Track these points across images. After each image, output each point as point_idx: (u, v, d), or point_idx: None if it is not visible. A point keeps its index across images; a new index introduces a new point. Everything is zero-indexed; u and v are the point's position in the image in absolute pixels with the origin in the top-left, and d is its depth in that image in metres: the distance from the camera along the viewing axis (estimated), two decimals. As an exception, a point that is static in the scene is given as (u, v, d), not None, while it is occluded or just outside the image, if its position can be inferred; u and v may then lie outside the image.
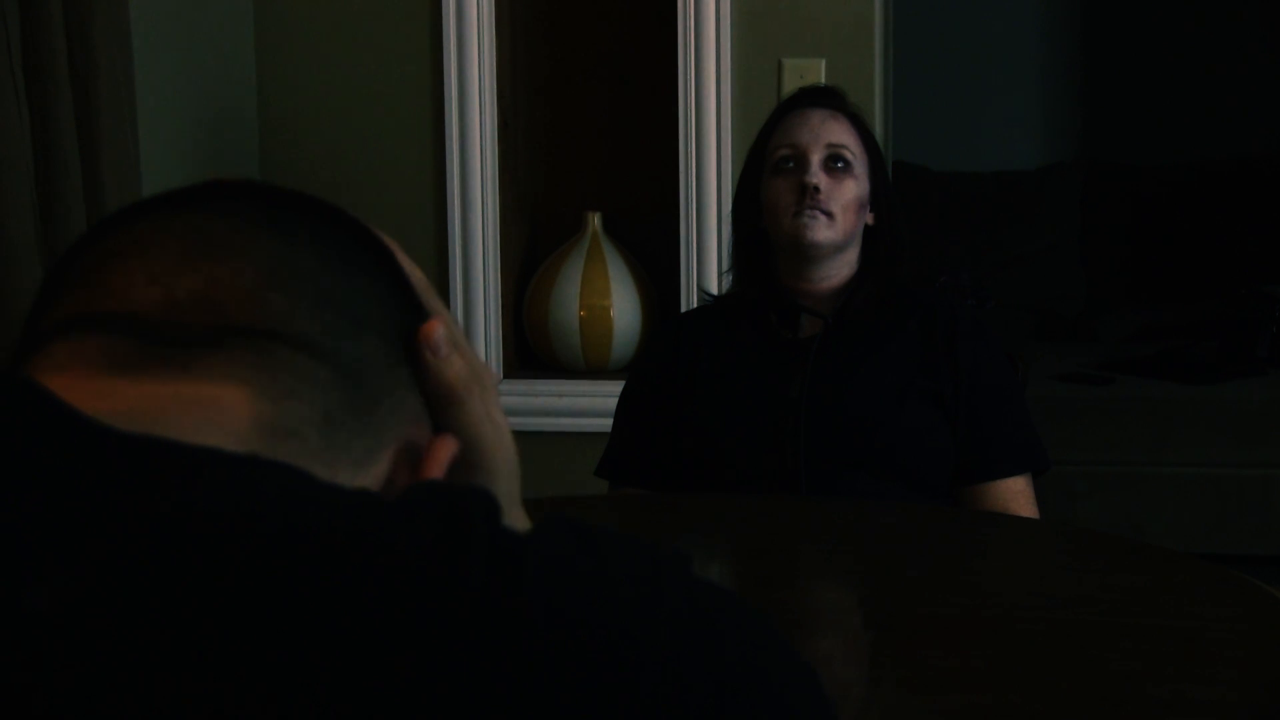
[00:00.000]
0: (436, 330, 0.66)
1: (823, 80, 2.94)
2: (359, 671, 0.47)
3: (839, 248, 2.04)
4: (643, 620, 0.52)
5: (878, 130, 2.82)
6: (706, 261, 3.03)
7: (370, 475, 0.63)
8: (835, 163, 2.03)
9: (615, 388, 2.26)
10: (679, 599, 0.54)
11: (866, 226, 2.08)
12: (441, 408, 0.67)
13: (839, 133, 2.04)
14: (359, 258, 0.66)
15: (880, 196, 2.08)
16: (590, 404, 3.05)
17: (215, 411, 0.59)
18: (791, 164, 2.03)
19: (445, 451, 0.65)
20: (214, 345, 0.60)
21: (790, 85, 2.80)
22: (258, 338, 0.61)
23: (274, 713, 0.47)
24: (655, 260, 3.19)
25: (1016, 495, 1.99)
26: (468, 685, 0.48)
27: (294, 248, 0.64)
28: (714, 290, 2.53)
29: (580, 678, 0.49)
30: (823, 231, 2.01)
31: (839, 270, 2.06)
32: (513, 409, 3.15)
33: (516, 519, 0.72)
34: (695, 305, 2.84)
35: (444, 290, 3.16)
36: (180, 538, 0.50)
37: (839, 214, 2.01)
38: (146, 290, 0.61)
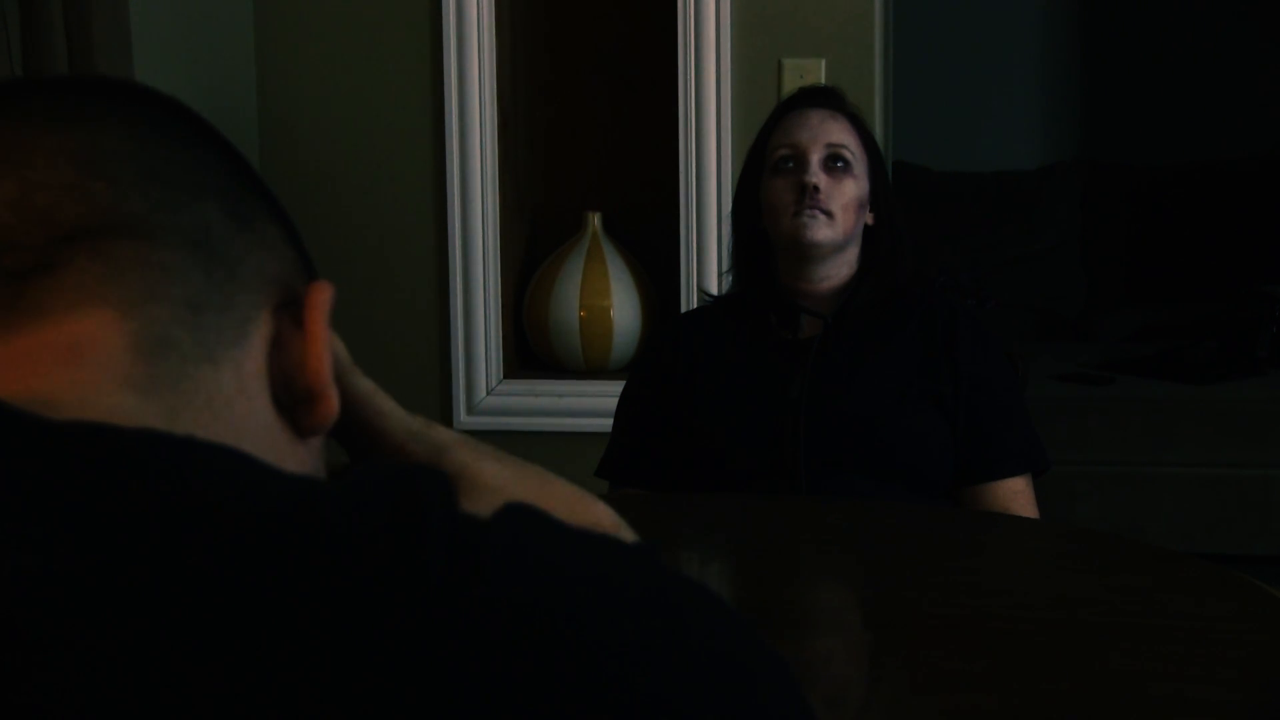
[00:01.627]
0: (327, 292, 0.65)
1: (823, 80, 2.94)
2: (316, 666, 0.47)
3: (838, 247, 2.04)
4: (604, 609, 0.51)
5: (878, 130, 2.82)
6: (706, 261, 3.03)
7: (251, 344, 0.62)
8: (835, 162, 2.03)
9: (615, 388, 2.26)
10: (642, 588, 0.53)
11: (866, 227, 2.08)
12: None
13: (838, 132, 2.04)
14: (175, 128, 0.63)
15: (880, 196, 2.09)
16: (590, 404, 3.05)
17: (89, 356, 0.57)
18: (791, 164, 2.03)
19: (323, 298, 0.64)
20: (54, 264, 0.58)
21: (790, 85, 2.80)
22: (94, 238, 0.58)
23: (227, 708, 0.46)
24: (655, 260, 3.19)
25: (1016, 495, 1.99)
26: (427, 677, 0.47)
27: (103, 132, 0.61)
28: (714, 290, 2.53)
29: (542, 668, 0.48)
30: (822, 231, 2.01)
31: (839, 270, 2.06)
32: (513, 409, 3.15)
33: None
34: (695, 305, 2.84)
35: (444, 290, 3.16)
36: (130, 532, 0.49)
37: (838, 213, 2.01)
38: None
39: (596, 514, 0.75)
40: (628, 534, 0.75)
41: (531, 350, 3.30)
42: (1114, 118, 5.15)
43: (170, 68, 2.88)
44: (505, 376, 3.20)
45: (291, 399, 0.64)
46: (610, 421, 2.17)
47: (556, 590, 0.51)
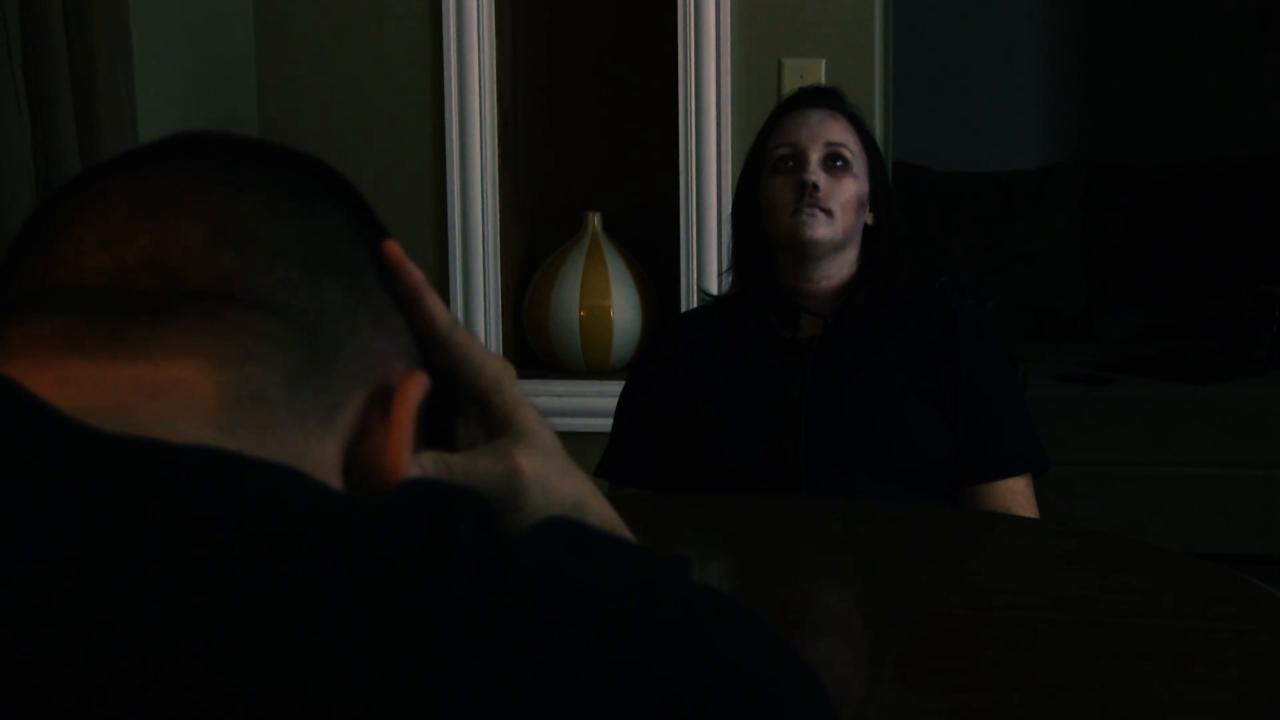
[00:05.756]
0: (397, 249, 0.66)
1: (823, 80, 2.94)
2: (340, 682, 0.47)
3: (838, 246, 2.04)
4: (632, 628, 0.51)
5: (877, 130, 2.82)
6: (706, 261, 3.03)
7: (340, 425, 0.62)
8: (834, 161, 2.03)
9: (615, 388, 2.26)
10: (673, 606, 0.53)
11: (866, 226, 2.08)
12: (435, 345, 0.68)
13: (838, 131, 2.04)
14: (313, 198, 0.65)
15: (879, 196, 2.09)
16: (590, 404, 3.05)
17: (178, 394, 0.58)
18: (790, 163, 2.03)
19: (414, 390, 0.65)
20: (165, 314, 0.59)
21: (790, 85, 2.80)
22: (209, 300, 0.60)
23: (250, 717, 0.46)
24: (655, 260, 3.19)
25: (1017, 495, 1.99)
26: (451, 694, 0.47)
27: (243, 200, 0.62)
28: (714, 290, 2.53)
29: (566, 687, 0.49)
30: (822, 229, 2.01)
31: (839, 270, 2.06)
32: (513, 409, 3.15)
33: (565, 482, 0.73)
34: (695, 305, 2.84)
35: (444, 290, 3.16)
36: (165, 543, 0.49)
37: (838, 212, 2.01)
38: (96, 257, 0.60)
39: (615, 515, 0.75)
40: (626, 534, 0.75)
41: (531, 350, 3.30)
42: (1114, 118, 5.15)
43: (170, 68, 2.88)
44: (505, 376, 3.19)
45: (367, 489, 0.64)
46: (610, 421, 2.17)
47: (581, 608, 0.51)
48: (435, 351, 0.70)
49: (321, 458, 0.62)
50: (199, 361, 0.59)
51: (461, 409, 0.73)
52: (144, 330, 0.59)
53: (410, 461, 0.64)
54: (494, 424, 0.73)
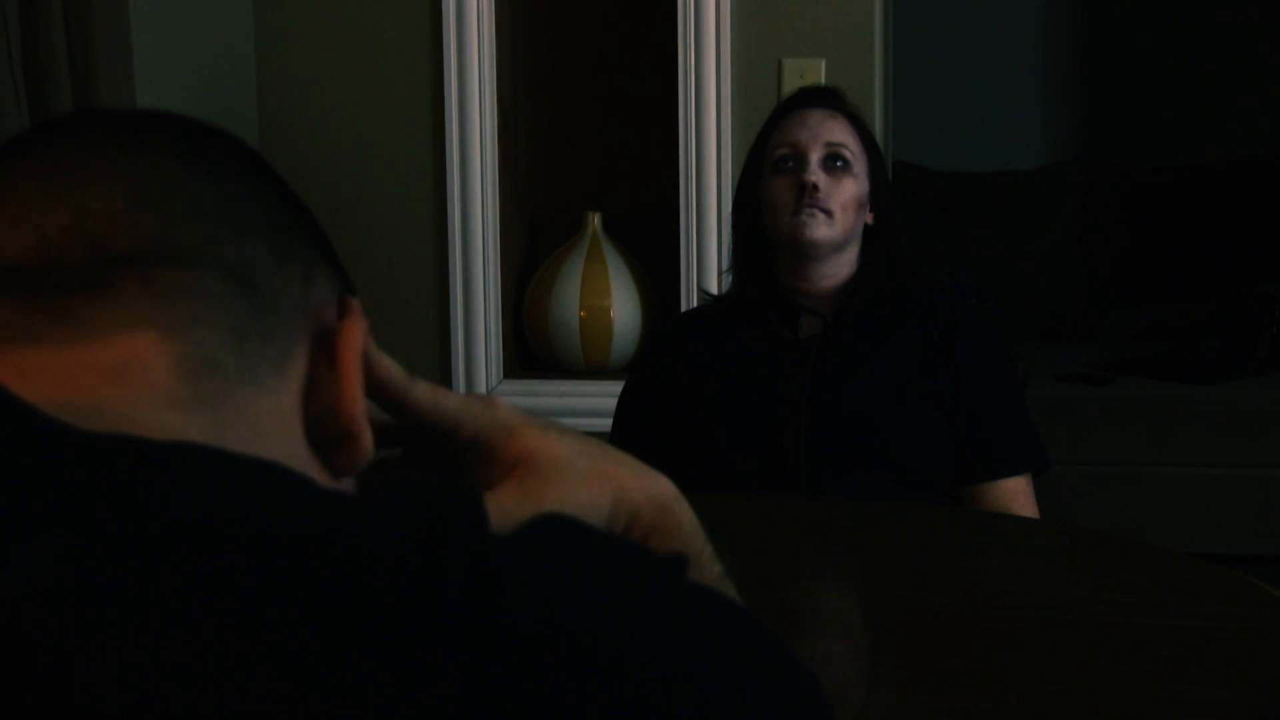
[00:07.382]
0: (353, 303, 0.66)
1: (823, 80, 2.94)
2: (333, 681, 0.47)
3: (838, 246, 2.04)
4: (625, 628, 0.51)
5: (878, 130, 2.82)
6: (706, 261, 3.03)
7: (289, 377, 0.62)
8: (834, 161, 2.03)
9: (615, 388, 2.26)
10: (667, 605, 0.53)
11: (866, 226, 2.08)
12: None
13: (838, 132, 2.04)
14: (225, 162, 0.65)
15: (880, 196, 2.09)
16: (590, 404, 3.05)
17: (136, 373, 0.58)
18: (790, 163, 2.04)
19: (355, 334, 0.65)
20: (103, 286, 0.59)
21: (790, 85, 2.80)
22: (142, 265, 0.59)
23: (244, 715, 0.46)
24: (655, 260, 3.20)
25: (1017, 495, 1.99)
26: (445, 695, 0.47)
27: (157, 163, 0.62)
28: (714, 290, 2.53)
29: (560, 686, 0.49)
30: (822, 229, 2.01)
31: (839, 269, 2.06)
32: (513, 409, 3.14)
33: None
34: (695, 305, 2.84)
35: (444, 290, 3.16)
36: (157, 545, 0.49)
37: (838, 212, 2.01)
38: (16, 235, 0.59)
39: (659, 485, 0.74)
40: (686, 508, 0.75)
41: (531, 350, 3.30)
42: (1114, 118, 5.15)
43: (170, 68, 2.88)
44: (505, 376, 3.20)
45: (325, 439, 0.64)
46: (610, 421, 2.17)
47: (575, 608, 0.51)
48: (399, 413, 0.69)
49: (280, 411, 0.62)
50: (148, 333, 0.59)
51: (456, 460, 0.72)
52: (86, 306, 0.59)
53: (364, 408, 0.64)
54: (501, 462, 0.71)
